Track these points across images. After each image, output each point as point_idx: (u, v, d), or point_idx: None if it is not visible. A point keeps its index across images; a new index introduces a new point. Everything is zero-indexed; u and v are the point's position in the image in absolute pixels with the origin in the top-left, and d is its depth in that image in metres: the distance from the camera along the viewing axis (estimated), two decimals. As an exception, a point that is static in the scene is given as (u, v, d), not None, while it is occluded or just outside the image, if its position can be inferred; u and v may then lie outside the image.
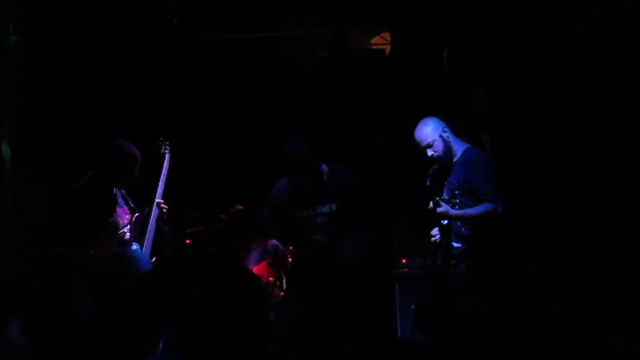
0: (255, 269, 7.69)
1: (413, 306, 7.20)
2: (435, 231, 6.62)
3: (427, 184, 6.45)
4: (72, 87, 8.05)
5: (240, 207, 8.02)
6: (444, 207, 6.38)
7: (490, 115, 7.67)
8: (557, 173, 6.80)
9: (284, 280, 7.68)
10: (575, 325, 2.98)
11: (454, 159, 6.68)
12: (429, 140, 6.61)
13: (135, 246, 6.44)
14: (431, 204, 6.40)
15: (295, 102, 9.00)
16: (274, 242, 6.65)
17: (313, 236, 6.47)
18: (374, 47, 8.90)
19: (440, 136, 6.63)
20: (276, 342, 3.59)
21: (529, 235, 6.25)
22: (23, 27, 6.71)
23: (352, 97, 8.95)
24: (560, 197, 6.51)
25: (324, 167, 6.51)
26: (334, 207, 6.42)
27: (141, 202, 6.88)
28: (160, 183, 6.90)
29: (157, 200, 6.80)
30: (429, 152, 6.61)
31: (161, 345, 1.73)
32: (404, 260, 7.75)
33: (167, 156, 7.07)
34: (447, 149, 6.63)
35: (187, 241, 7.72)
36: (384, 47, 8.87)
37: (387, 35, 8.86)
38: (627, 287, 3.05)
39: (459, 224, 6.53)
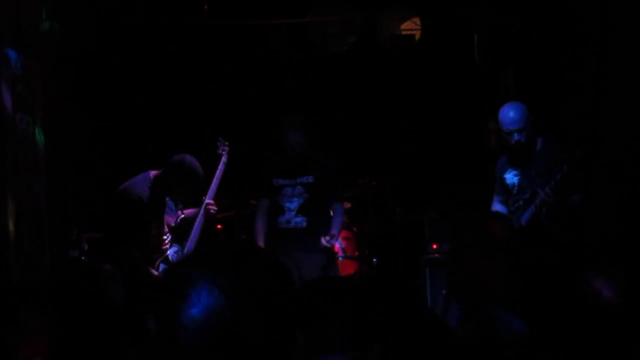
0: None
1: (444, 291, 7.18)
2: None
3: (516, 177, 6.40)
4: (103, 73, 8.08)
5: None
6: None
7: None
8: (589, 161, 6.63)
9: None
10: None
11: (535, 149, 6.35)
12: (522, 125, 6.20)
13: (175, 248, 6.41)
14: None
15: (325, 88, 9.00)
16: None
17: (289, 204, 6.83)
18: (404, 32, 8.86)
19: (531, 124, 6.24)
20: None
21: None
22: (55, 14, 6.73)
23: (382, 82, 8.93)
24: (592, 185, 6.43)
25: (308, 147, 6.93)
26: (311, 179, 6.83)
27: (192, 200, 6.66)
28: (212, 184, 6.59)
29: (207, 201, 6.52)
30: (516, 137, 6.21)
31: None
32: (434, 246, 7.75)
33: (223, 157, 6.78)
34: (533, 140, 6.27)
35: (218, 226, 7.74)
36: (414, 32, 8.84)
37: (417, 20, 8.82)
38: None
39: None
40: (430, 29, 8.79)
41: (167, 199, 6.46)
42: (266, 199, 6.93)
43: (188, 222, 6.51)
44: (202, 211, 6.51)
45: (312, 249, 6.64)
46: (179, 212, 6.49)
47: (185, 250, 6.39)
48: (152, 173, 6.33)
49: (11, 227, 6.27)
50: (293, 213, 6.83)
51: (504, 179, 6.49)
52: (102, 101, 8.08)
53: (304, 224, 6.81)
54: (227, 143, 6.86)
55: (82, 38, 7.50)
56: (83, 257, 6.99)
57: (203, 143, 7.06)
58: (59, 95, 7.19)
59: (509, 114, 6.25)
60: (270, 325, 1.71)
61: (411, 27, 8.84)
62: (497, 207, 6.60)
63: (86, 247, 7.03)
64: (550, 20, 7.73)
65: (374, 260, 7.78)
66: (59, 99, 7.18)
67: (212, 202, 6.57)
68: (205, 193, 6.56)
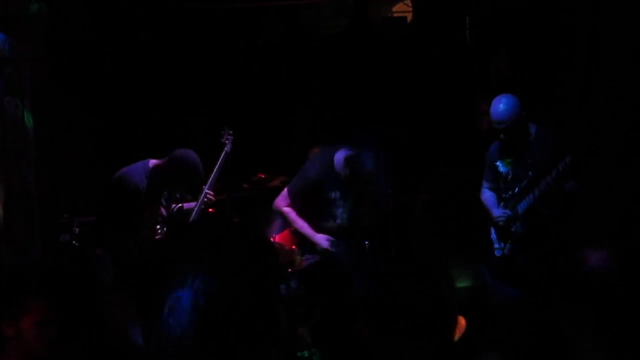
0: (277, 237, 7.70)
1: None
2: (500, 213, 6.39)
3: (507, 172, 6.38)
4: (94, 57, 8.04)
5: (263, 176, 8.02)
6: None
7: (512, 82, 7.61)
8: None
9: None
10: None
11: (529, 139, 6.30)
12: (511, 123, 6.12)
13: None
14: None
15: (316, 70, 8.98)
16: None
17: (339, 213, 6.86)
18: (396, 14, 8.83)
19: (522, 118, 6.17)
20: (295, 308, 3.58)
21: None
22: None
23: (374, 65, 8.91)
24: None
25: None
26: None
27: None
28: (213, 173, 6.55)
29: (205, 190, 6.49)
30: (505, 135, 6.21)
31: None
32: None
33: (226, 147, 6.71)
34: (525, 129, 6.22)
35: (210, 210, 7.72)
36: (406, 14, 8.81)
37: (408, 2, 8.79)
38: None
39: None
40: (422, 11, 8.76)
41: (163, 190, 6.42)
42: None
43: (187, 213, 6.47)
44: (200, 200, 6.48)
45: None
46: (177, 204, 6.46)
47: None
48: (152, 162, 6.27)
49: (1, 211, 6.25)
50: None
51: (496, 167, 6.45)
52: (92, 85, 8.04)
53: None
54: (231, 132, 6.78)
55: (72, 21, 7.45)
56: (74, 242, 6.95)
57: (191, 128, 7.04)
58: (48, 79, 7.14)
59: (498, 110, 6.17)
60: (257, 301, 1.70)
61: (403, 9, 8.81)
62: (487, 193, 6.58)
63: (77, 231, 6.99)
64: (542, 2, 7.71)
65: (366, 242, 7.76)
66: (48, 82, 7.14)
67: (211, 192, 6.54)
68: (205, 182, 6.52)
